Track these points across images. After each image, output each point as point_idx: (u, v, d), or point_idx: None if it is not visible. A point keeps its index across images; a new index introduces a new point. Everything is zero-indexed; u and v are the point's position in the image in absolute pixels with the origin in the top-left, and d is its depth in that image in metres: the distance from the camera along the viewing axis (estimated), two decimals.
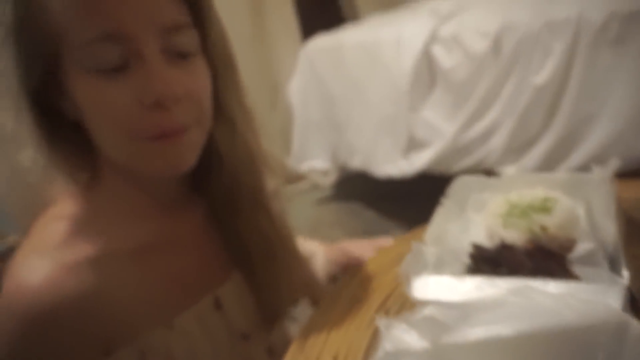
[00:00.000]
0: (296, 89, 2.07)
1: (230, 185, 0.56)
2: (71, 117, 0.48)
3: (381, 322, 0.43)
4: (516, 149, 1.25)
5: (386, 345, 0.41)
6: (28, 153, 1.52)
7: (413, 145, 1.55)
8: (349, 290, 0.60)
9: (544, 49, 1.12)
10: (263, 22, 2.41)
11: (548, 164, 1.20)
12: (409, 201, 2.32)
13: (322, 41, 1.98)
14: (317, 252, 0.77)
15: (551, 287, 0.43)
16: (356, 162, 1.87)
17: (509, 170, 1.32)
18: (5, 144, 1.69)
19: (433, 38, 1.40)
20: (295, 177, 2.55)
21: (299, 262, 0.66)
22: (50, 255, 0.46)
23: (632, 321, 0.36)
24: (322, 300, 0.58)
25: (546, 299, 0.40)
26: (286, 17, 2.44)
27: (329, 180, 2.52)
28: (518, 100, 1.20)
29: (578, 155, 1.14)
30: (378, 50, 1.61)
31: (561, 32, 1.08)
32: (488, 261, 0.54)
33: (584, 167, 1.15)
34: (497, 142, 1.27)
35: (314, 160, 2.10)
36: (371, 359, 0.40)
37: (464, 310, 0.41)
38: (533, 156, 1.22)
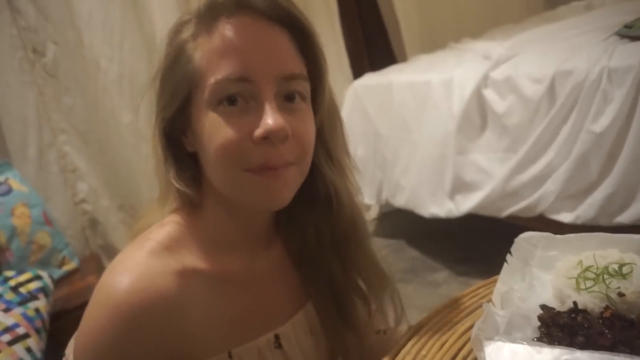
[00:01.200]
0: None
1: (345, 220, 0.62)
2: (190, 149, 0.56)
3: None
4: (572, 195, 1.21)
5: None
6: (84, 186, 1.61)
7: (461, 187, 1.54)
8: (414, 348, 0.59)
9: (604, 96, 1.10)
10: None
11: (606, 213, 1.16)
12: (453, 240, 2.27)
13: (371, 79, 2.02)
14: None
15: None
16: (401, 201, 1.86)
17: (564, 218, 1.28)
18: (67, 175, 1.79)
19: (485, 81, 1.40)
20: None
21: (385, 305, 0.68)
22: (146, 257, 0.52)
23: None
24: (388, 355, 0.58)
25: None
26: (338, 55, 2.50)
27: (371, 216, 2.52)
28: (575, 146, 1.17)
29: (638, 206, 1.10)
30: (427, 90, 1.63)
31: (621, 80, 1.06)
32: (561, 327, 0.52)
33: None
34: (551, 187, 1.24)
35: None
36: None
37: None
38: (591, 203, 1.18)
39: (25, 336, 1.14)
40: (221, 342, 0.56)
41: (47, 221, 1.64)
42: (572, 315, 0.53)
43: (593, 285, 0.54)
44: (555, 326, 0.52)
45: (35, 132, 1.84)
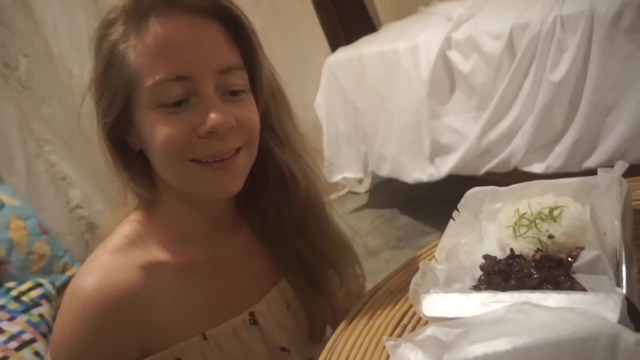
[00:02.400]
0: (322, 103, 2.12)
1: (302, 200, 0.64)
2: (136, 148, 0.57)
3: (388, 343, 0.46)
4: (541, 147, 1.23)
5: None
6: (77, 192, 1.65)
7: (439, 150, 1.56)
8: (369, 310, 0.62)
9: (559, 45, 1.11)
10: (291, 40, 2.47)
11: (575, 160, 1.18)
12: (443, 204, 2.30)
13: (343, 53, 2.02)
14: None
15: (550, 301, 0.44)
16: (385, 170, 1.89)
17: (536, 169, 1.31)
18: (57, 183, 1.82)
19: (448, 43, 1.41)
20: (330, 189, 2.60)
21: (356, 270, 0.72)
22: (108, 257, 0.55)
23: (624, 332, 0.37)
24: (343, 320, 0.62)
25: (544, 313, 0.42)
26: (313, 31, 2.49)
27: (363, 188, 2.55)
28: (537, 97, 1.18)
29: (604, 149, 1.12)
30: (396, 59, 1.63)
31: (574, 27, 1.07)
32: (499, 273, 0.55)
33: (612, 161, 1.12)
34: (520, 141, 1.26)
35: (346, 171, 2.14)
36: None
37: (465, 328, 0.44)
38: (559, 153, 1.20)
39: (32, 341, 1.20)
40: (194, 327, 0.58)
41: (43, 230, 1.69)
42: (509, 262, 0.56)
43: (527, 231, 0.57)
44: (494, 273, 0.56)
45: (20, 146, 1.87)
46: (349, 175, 2.13)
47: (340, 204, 2.53)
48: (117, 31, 0.53)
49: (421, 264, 0.55)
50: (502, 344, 0.40)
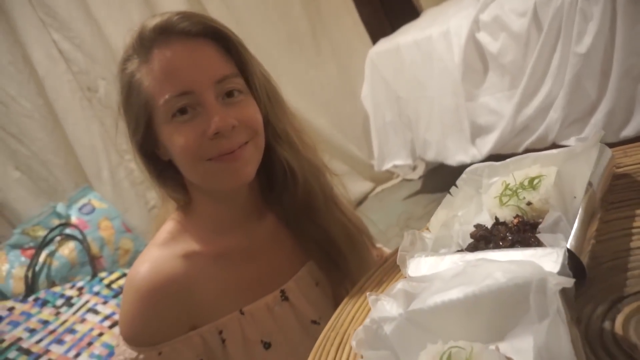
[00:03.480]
0: (367, 95, 2.19)
1: (305, 192, 0.72)
2: (165, 158, 0.67)
3: (370, 297, 0.54)
4: (576, 120, 1.22)
5: (373, 313, 0.52)
6: (153, 194, 1.90)
7: (479, 131, 1.57)
8: (375, 279, 0.70)
9: (583, 16, 1.09)
10: (336, 39, 2.55)
11: (612, 130, 1.15)
12: None
13: (383, 45, 2.07)
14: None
15: (507, 257, 0.50)
16: (431, 155, 1.92)
17: (572, 143, 1.29)
18: (136, 187, 2.09)
19: (477, 25, 1.42)
20: (385, 177, 2.66)
21: (369, 251, 0.80)
22: (156, 250, 0.67)
23: (550, 276, 0.43)
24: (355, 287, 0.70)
25: (492, 266, 0.49)
26: (353, 30, 2.56)
27: (417, 174, 2.58)
28: (567, 71, 1.17)
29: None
30: (430, 46, 1.66)
31: None
32: (483, 238, 0.62)
33: None
34: (555, 115, 1.25)
35: (395, 159, 2.19)
36: (362, 325, 0.51)
37: (429, 282, 0.52)
38: (594, 124, 1.18)
39: None
40: (232, 304, 0.67)
41: (127, 229, 1.95)
42: (494, 228, 0.62)
43: (509, 200, 0.63)
44: (481, 238, 0.62)
45: (105, 157, 2.15)
46: (399, 162, 2.17)
47: (395, 191, 2.59)
48: (132, 64, 0.63)
49: (408, 233, 0.62)
50: (454, 293, 0.48)
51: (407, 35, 1.87)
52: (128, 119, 0.65)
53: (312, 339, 0.69)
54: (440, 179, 2.43)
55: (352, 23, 2.54)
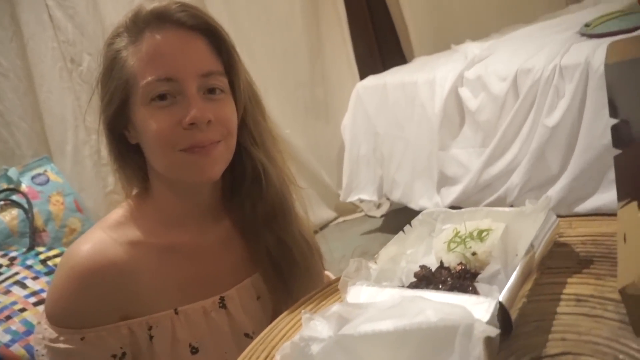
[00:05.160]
0: (347, 125, 2.23)
1: (272, 197, 0.72)
2: (133, 141, 0.66)
3: (305, 315, 0.54)
4: (535, 187, 1.28)
5: (304, 331, 0.52)
6: (113, 179, 1.84)
7: (445, 181, 1.62)
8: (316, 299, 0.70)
9: (556, 91, 1.16)
10: (327, 68, 2.62)
11: (565, 204, 1.21)
12: None
13: (371, 81, 2.13)
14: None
15: (437, 297, 0.51)
16: (397, 195, 1.96)
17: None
18: (99, 168, 2.04)
19: (461, 80, 1.49)
20: (349, 209, 2.69)
21: (320, 273, 0.79)
22: (101, 232, 0.65)
23: (477, 322, 0.44)
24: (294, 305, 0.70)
25: (426, 304, 0.50)
26: (346, 61, 2.63)
27: (380, 212, 2.61)
28: (533, 139, 1.23)
29: (596, 197, 1.15)
30: (415, 90, 1.72)
31: (571, 76, 1.12)
32: (425, 279, 0.63)
33: (602, 209, 1.15)
34: (516, 180, 1.30)
35: (362, 193, 2.22)
36: (290, 341, 0.51)
37: (364, 309, 0.52)
38: (551, 195, 1.23)
39: None
40: (168, 302, 0.66)
41: (79, 208, 1.88)
42: (437, 270, 0.64)
43: (456, 247, 0.65)
44: (422, 279, 0.64)
45: (72, 131, 2.10)
46: (365, 196, 2.21)
47: (356, 225, 2.61)
48: (121, 41, 0.63)
49: (353, 261, 0.63)
50: (386, 324, 0.49)
51: (395, 76, 1.93)
52: (103, 93, 0.65)
53: (241, 351, 0.68)
54: (402, 221, 2.44)
55: (346, 55, 2.61)
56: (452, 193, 1.58)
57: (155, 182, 0.69)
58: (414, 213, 2.01)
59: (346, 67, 2.62)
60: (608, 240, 0.64)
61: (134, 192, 0.71)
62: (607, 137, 1.10)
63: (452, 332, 0.46)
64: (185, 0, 0.65)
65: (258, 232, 0.73)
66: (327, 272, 0.91)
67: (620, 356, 0.45)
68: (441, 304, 0.49)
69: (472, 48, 1.60)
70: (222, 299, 0.70)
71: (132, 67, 0.62)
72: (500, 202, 1.40)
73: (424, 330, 0.47)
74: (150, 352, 0.65)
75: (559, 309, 0.53)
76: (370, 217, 2.64)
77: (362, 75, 2.52)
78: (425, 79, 1.66)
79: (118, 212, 0.68)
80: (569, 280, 0.57)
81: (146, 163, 0.68)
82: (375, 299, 0.56)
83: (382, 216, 2.59)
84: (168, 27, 0.63)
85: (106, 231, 0.65)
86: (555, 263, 0.62)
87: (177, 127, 0.62)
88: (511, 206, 1.39)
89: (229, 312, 0.70)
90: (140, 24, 0.63)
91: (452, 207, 1.64)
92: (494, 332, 0.43)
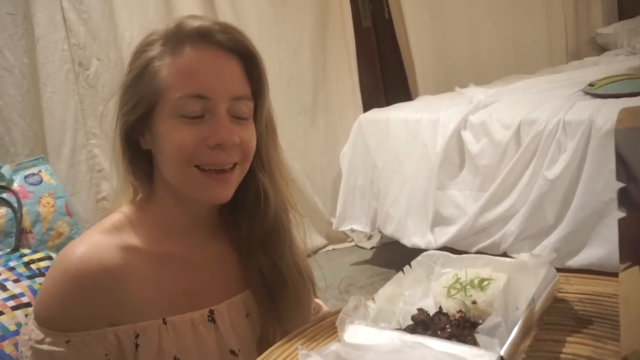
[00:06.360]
0: (347, 154, 2.25)
1: (270, 220, 0.72)
2: (145, 147, 0.66)
3: (302, 352, 0.53)
4: (530, 236, 1.29)
5: None
6: (107, 186, 1.83)
7: (440, 221, 1.63)
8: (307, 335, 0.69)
9: (558, 146, 1.19)
10: (332, 96, 2.66)
11: (558, 256, 1.22)
12: None
13: (374, 114, 2.16)
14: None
15: (442, 347, 0.51)
16: (390, 229, 1.95)
17: (522, 257, 1.35)
18: (93, 174, 2.01)
19: (464, 123, 1.51)
20: (339, 238, 2.68)
21: (309, 300, 0.79)
22: (99, 235, 0.64)
23: None
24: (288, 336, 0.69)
25: (427, 351, 0.49)
26: (351, 92, 2.67)
27: (371, 244, 2.61)
28: (533, 189, 1.25)
29: (589, 252, 1.16)
30: (418, 128, 1.75)
31: (574, 132, 1.15)
32: (422, 323, 0.62)
33: (594, 265, 1.16)
34: (512, 227, 1.32)
35: (355, 223, 2.22)
36: None
37: (364, 351, 0.51)
38: (545, 246, 1.24)
39: (28, 305, 1.31)
40: (158, 311, 0.65)
41: (68, 212, 1.85)
42: (435, 316, 0.63)
43: (456, 294, 0.65)
44: (420, 323, 0.63)
45: (71, 134, 2.08)
46: (357, 227, 2.20)
47: (346, 254, 2.59)
48: (155, 50, 0.63)
49: (353, 299, 0.62)
50: None
51: (398, 112, 1.96)
52: (128, 98, 0.64)
53: None
54: (391, 255, 2.46)
55: (351, 85, 2.65)
56: (446, 234, 1.58)
57: (161, 190, 0.68)
58: (405, 248, 2.00)
59: (350, 98, 2.66)
60: (606, 300, 0.65)
61: (137, 198, 0.70)
62: (604, 195, 1.12)
63: None
64: (228, 23, 0.66)
65: (252, 252, 0.73)
66: (317, 301, 0.90)
67: None
68: (442, 353, 0.49)
69: (477, 93, 1.63)
70: (211, 312, 0.69)
71: (165, 78, 0.62)
72: (494, 247, 1.41)
73: None
74: None
75: None
76: (360, 247, 2.63)
77: (365, 107, 2.57)
78: (429, 118, 1.68)
79: (117, 216, 0.68)
80: (568, 339, 0.57)
81: (154, 170, 0.68)
82: (374, 340, 0.55)
83: (372, 248, 2.58)
84: (208, 46, 0.64)
85: (102, 235, 0.64)
86: (554, 320, 0.62)
87: (200, 145, 0.62)
88: (505, 253, 1.40)
89: (217, 327, 0.69)
90: (181, 38, 0.63)
91: (445, 248, 1.64)
92: None
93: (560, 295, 0.67)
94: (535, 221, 1.27)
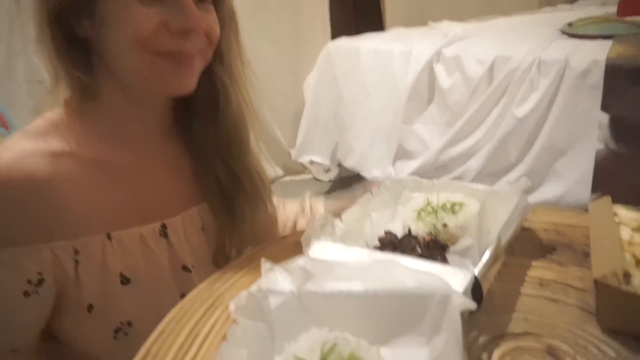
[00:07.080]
0: (311, 84, 2.15)
1: (229, 123, 0.65)
2: (82, 35, 0.55)
3: (265, 265, 0.50)
4: (492, 173, 1.30)
5: (262, 282, 0.48)
6: (46, 98, 1.60)
7: (402, 154, 1.61)
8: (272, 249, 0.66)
9: (531, 84, 1.17)
10: (299, 20, 2.50)
11: None
12: None
13: (343, 43, 2.06)
14: (290, 207, 0.83)
15: (411, 263, 0.49)
16: (351, 162, 1.93)
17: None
18: (31, 85, 1.80)
19: (437, 56, 1.46)
20: (297, 170, 2.64)
21: (268, 207, 0.74)
22: (24, 141, 0.55)
23: (455, 294, 0.42)
24: (249, 249, 0.65)
25: (400, 269, 0.47)
26: (320, 17, 2.52)
27: (328, 177, 2.60)
28: (499, 127, 1.25)
29: (548, 189, 1.18)
30: (389, 59, 1.68)
31: (548, 71, 1.13)
32: (390, 245, 0.60)
33: (552, 201, 1.20)
34: (475, 164, 1.32)
35: (315, 155, 2.18)
36: (247, 291, 0.46)
37: (332, 267, 0.48)
38: (505, 183, 1.26)
39: None
40: (100, 225, 0.57)
41: (4, 125, 1.68)
42: (405, 238, 0.61)
43: (427, 216, 0.63)
44: (387, 244, 0.61)
45: (6, 40, 1.86)
46: (317, 159, 2.17)
47: (302, 186, 2.58)
48: None
49: (322, 216, 0.59)
50: (355, 285, 0.45)
51: (370, 42, 1.87)
52: None
53: (177, 285, 0.63)
54: (348, 189, 2.47)
55: (321, 12, 2.50)
56: (407, 168, 1.58)
57: (106, 87, 0.58)
58: (361, 184, 1.98)
59: (319, 23, 2.51)
60: (569, 230, 0.66)
61: (71, 97, 0.59)
62: (569, 136, 1.13)
63: (425, 301, 0.43)
64: None
65: (209, 160, 0.67)
66: (275, 202, 0.85)
67: (580, 341, 0.45)
68: (416, 271, 0.46)
69: (452, 27, 1.57)
70: (163, 226, 0.63)
71: None
72: None
73: (396, 296, 0.44)
74: (75, 279, 0.57)
75: (522, 290, 0.53)
76: (317, 180, 2.62)
77: (333, 35, 2.44)
78: (401, 49, 1.62)
79: (45, 119, 0.58)
80: (533, 264, 0.58)
81: (94, 64, 0.57)
82: (341, 257, 0.53)
83: (330, 181, 2.57)
84: None
85: (29, 138, 0.55)
86: (521, 246, 0.62)
87: (161, 29, 0.53)
88: None
89: (169, 242, 0.64)
90: None
91: None
92: (472, 305, 0.41)
93: (526, 224, 0.67)
94: (498, 159, 1.27)
